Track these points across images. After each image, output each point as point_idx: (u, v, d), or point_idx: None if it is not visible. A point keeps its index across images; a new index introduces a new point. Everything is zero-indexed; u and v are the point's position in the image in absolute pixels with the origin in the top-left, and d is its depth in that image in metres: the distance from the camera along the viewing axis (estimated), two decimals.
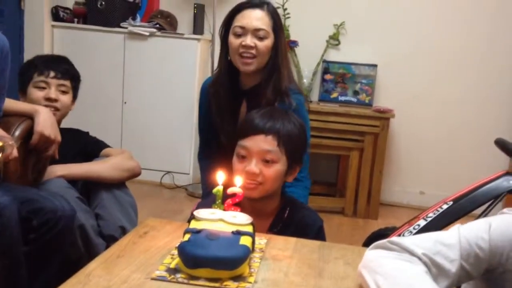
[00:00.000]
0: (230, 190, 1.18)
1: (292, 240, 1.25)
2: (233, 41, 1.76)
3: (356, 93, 3.45)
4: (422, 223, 1.87)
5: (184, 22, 3.57)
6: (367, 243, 2.27)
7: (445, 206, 1.85)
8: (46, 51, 3.44)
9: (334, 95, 3.46)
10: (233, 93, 1.86)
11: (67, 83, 1.94)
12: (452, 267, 0.93)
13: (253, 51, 1.74)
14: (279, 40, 1.79)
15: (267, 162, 1.35)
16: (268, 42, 1.76)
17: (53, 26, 3.49)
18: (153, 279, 0.98)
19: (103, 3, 3.39)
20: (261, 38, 1.75)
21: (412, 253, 0.93)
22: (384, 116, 3.19)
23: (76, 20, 3.54)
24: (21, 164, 1.66)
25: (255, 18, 1.75)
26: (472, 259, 0.94)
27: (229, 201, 1.17)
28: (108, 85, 3.50)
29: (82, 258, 1.65)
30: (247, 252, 1.01)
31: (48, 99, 1.86)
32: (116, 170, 1.89)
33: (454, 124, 3.49)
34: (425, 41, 3.46)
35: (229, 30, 1.79)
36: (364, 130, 3.19)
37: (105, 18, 3.41)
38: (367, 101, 3.43)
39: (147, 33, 3.38)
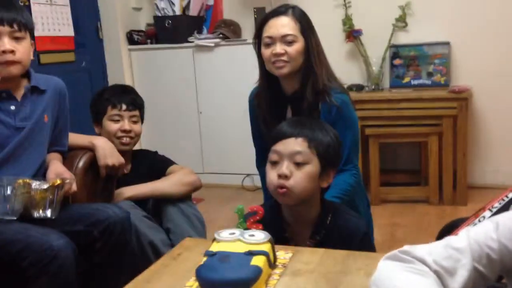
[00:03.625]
0: (251, 208, 1.23)
1: (320, 251, 1.26)
2: (265, 51, 1.81)
3: (430, 74, 3.27)
4: (487, 214, 1.73)
5: (247, 27, 3.63)
6: (440, 236, 2.19)
7: (511, 195, 1.72)
8: (126, 73, 3.72)
9: (406, 79, 3.31)
10: (277, 101, 1.90)
11: (137, 113, 2.12)
12: (465, 271, 0.89)
13: (285, 58, 1.77)
14: (310, 41, 1.80)
15: (298, 165, 1.38)
16: (297, 46, 1.78)
17: (129, 50, 3.75)
18: None
19: (170, 21, 3.56)
20: (289, 43, 1.77)
21: (423, 262, 0.91)
22: (461, 97, 2.98)
23: (149, 41, 3.76)
24: (90, 192, 1.85)
25: (281, 25, 1.78)
26: (484, 261, 0.89)
27: (250, 219, 1.21)
28: (183, 98, 3.69)
29: None
30: (257, 273, 1.05)
31: (124, 131, 2.05)
32: (177, 185, 2.03)
33: None
34: (499, 11, 3.17)
35: (261, 42, 1.83)
36: (441, 113, 3.02)
37: (174, 35, 3.58)
38: (442, 82, 3.23)
39: (212, 44, 3.50)
